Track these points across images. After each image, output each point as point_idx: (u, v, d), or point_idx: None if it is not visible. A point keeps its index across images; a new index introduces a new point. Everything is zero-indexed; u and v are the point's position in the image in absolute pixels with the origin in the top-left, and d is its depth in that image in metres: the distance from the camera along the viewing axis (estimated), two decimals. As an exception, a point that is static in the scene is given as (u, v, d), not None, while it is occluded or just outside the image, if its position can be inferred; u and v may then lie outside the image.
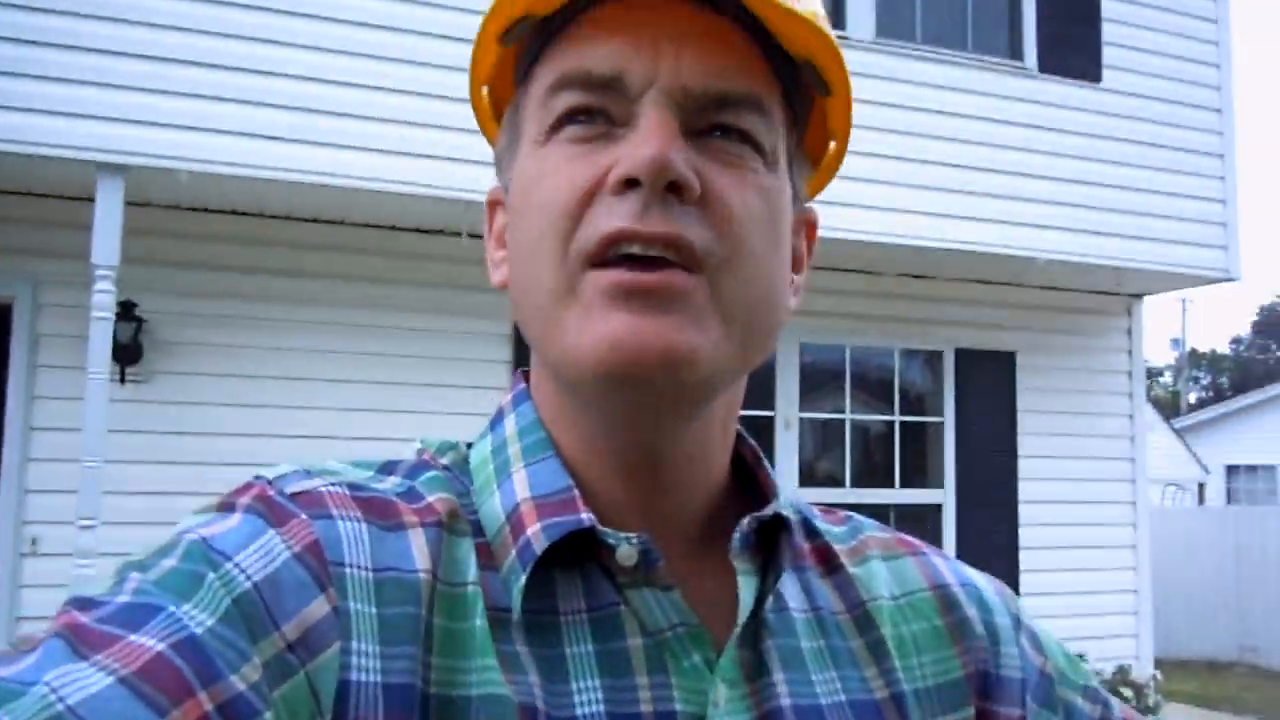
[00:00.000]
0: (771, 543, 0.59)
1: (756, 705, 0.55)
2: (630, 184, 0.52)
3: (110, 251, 4.10)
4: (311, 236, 5.04)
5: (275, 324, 4.96)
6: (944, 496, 6.10)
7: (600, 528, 0.54)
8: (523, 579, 0.53)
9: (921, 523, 6.09)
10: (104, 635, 0.43)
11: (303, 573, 0.49)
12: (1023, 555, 6.17)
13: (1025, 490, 6.22)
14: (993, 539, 6.13)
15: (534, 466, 0.58)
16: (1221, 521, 12.33)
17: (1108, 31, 5.93)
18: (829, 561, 0.64)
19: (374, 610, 0.50)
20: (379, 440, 5.01)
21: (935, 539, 6.09)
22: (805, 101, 0.60)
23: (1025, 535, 6.19)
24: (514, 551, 0.54)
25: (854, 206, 5.16)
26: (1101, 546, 6.34)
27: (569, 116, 0.55)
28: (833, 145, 0.65)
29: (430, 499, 0.56)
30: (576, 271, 0.53)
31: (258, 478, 0.55)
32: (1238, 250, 6.02)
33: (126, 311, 4.55)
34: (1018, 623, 0.67)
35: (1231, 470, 19.43)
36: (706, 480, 0.60)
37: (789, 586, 0.60)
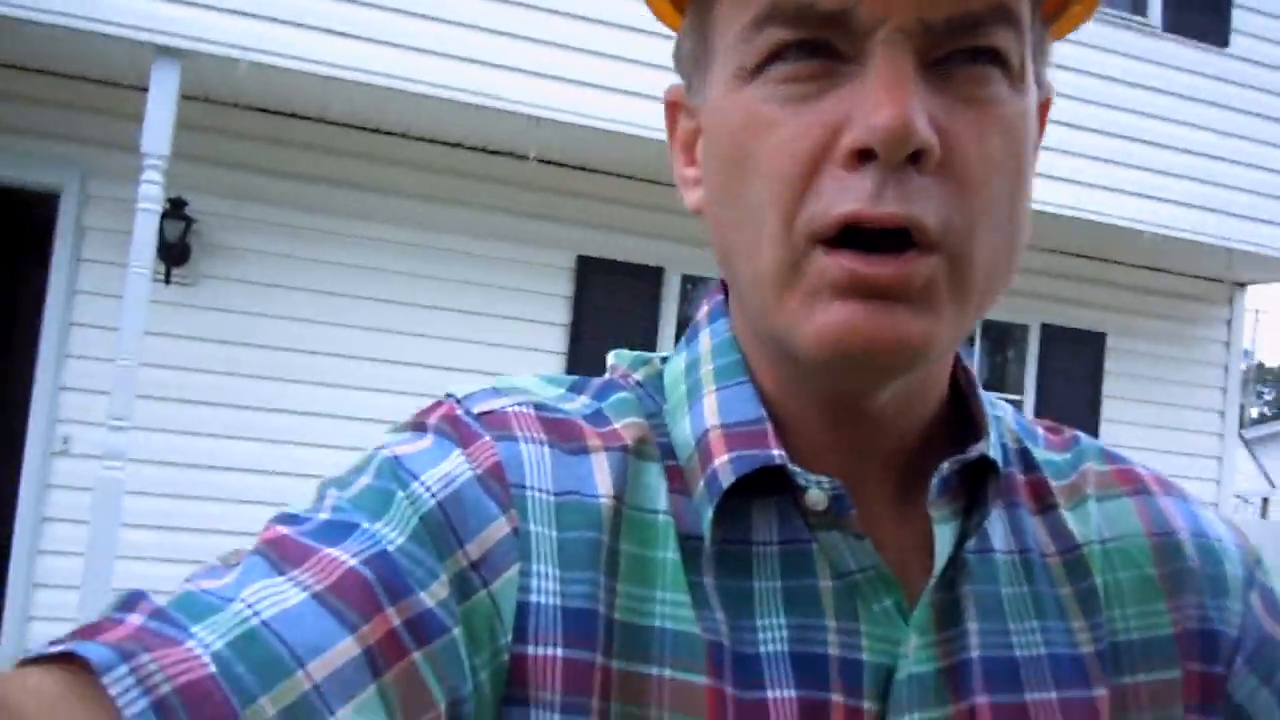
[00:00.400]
0: (981, 479, 0.53)
1: (944, 656, 0.52)
2: (864, 155, 0.45)
3: (160, 140, 3.88)
4: (372, 147, 4.78)
5: (326, 236, 4.73)
6: (1016, 479, 5.75)
7: (791, 466, 0.51)
8: (710, 511, 0.51)
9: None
10: (302, 549, 0.45)
11: (484, 494, 0.49)
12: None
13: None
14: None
15: (725, 391, 0.54)
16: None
17: (1240, -8, 5.48)
18: (1043, 498, 0.58)
19: (554, 534, 0.50)
20: (419, 366, 4.78)
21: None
22: None
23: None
24: (703, 482, 0.52)
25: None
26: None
27: (785, 50, 0.47)
28: (1075, 7, 0.53)
29: (617, 424, 0.54)
30: (802, 249, 0.47)
31: (448, 395, 0.55)
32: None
33: (176, 209, 4.34)
34: (1251, 578, 0.58)
35: (1298, 486, 18.73)
36: (917, 419, 0.55)
37: (996, 525, 0.55)
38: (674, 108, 0.58)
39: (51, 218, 4.46)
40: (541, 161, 4.90)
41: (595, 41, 4.39)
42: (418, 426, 0.53)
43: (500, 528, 0.48)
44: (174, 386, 4.44)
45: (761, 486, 0.52)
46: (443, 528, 0.47)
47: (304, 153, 4.70)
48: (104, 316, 4.40)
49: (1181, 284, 6.04)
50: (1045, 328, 5.80)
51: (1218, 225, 5.33)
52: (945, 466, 0.52)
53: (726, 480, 0.51)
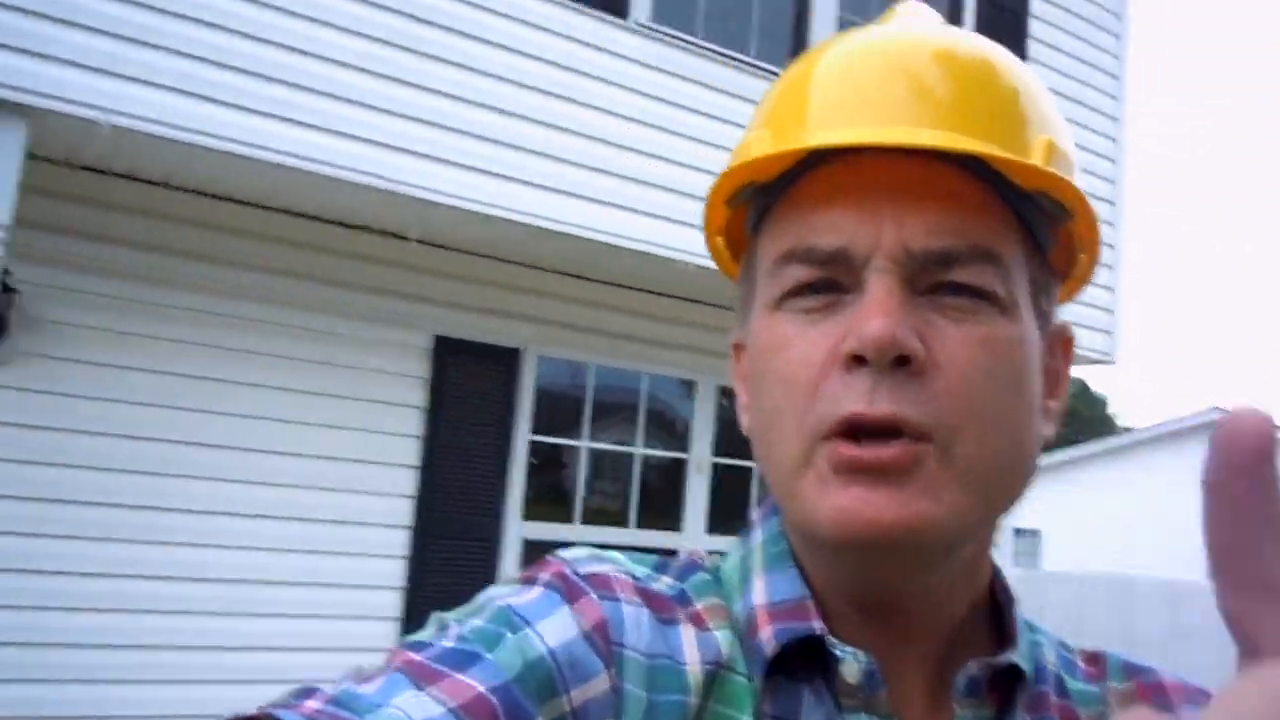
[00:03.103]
0: (1012, 689, 0.58)
1: None
2: (858, 360, 0.53)
3: (1, 208, 3.42)
4: (224, 218, 4.43)
5: (169, 311, 4.31)
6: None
7: (830, 637, 0.56)
8: (757, 682, 0.55)
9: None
10: (436, 671, 0.49)
11: (589, 648, 0.53)
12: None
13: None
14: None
15: (773, 575, 0.60)
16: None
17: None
18: None
19: (645, 695, 0.53)
20: (273, 454, 4.45)
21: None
22: (1047, 221, 0.60)
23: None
24: (749, 653, 0.57)
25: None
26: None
27: (799, 289, 0.57)
28: (1082, 258, 0.64)
29: (699, 605, 0.59)
30: (812, 443, 0.55)
31: (555, 556, 0.59)
32: (1119, 334, 6.37)
33: (-7, 279, 3.82)
34: None
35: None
36: (946, 622, 0.60)
37: None
38: (737, 349, 0.66)
39: None
40: (400, 238, 4.73)
41: (464, 121, 4.31)
42: (527, 581, 0.57)
43: (601, 682, 0.52)
44: (-15, 480, 3.89)
45: (804, 666, 0.56)
46: (550, 673, 0.51)
47: (141, 219, 4.28)
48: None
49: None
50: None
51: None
52: (972, 666, 0.57)
53: (770, 649, 0.56)
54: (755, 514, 0.66)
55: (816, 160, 0.57)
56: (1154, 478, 17.77)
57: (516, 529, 5.00)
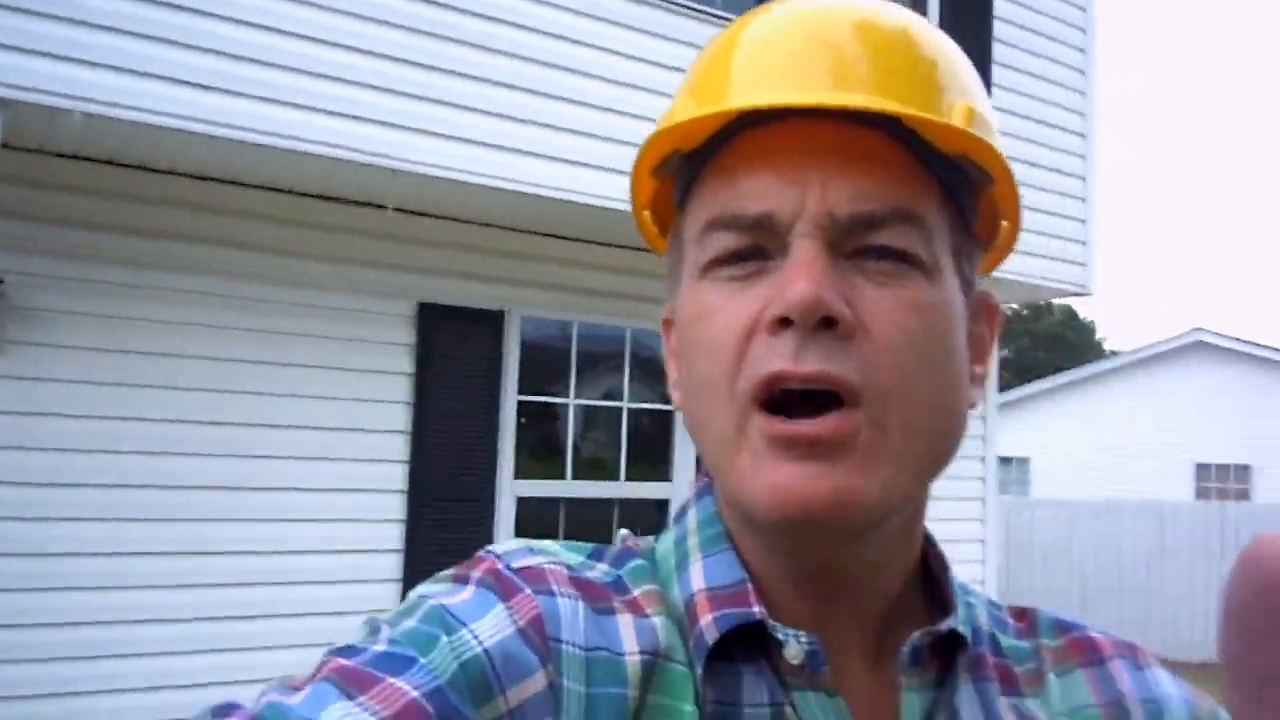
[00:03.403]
0: (952, 653, 0.59)
1: None
2: (784, 322, 0.53)
3: (-19, 200, 3.47)
4: (203, 197, 4.47)
5: (154, 293, 4.37)
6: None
7: (770, 621, 0.56)
8: (699, 669, 0.55)
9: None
10: (368, 677, 0.48)
11: (526, 645, 0.52)
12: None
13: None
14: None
15: (710, 558, 0.60)
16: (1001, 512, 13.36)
17: (996, 52, 6.20)
18: (1010, 682, 0.62)
19: (583, 689, 0.53)
20: (267, 426, 4.53)
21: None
22: (969, 189, 0.60)
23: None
24: (691, 641, 0.57)
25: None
26: (956, 540, 6.68)
27: (725, 258, 0.57)
28: (1004, 224, 0.65)
29: (635, 591, 0.59)
30: (743, 411, 0.54)
31: (488, 551, 0.59)
32: (1093, 266, 6.46)
33: (-20, 271, 3.87)
34: None
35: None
36: (882, 592, 0.60)
37: (965, 700, 0.59)
38: (667, 325, 0.66)
39: None
40: (378, 207, 4.78)
41: (445, 91, 4.34)
42: (459, 579, 0.57)
43: (539, 680, 0.52)
44: (-15, 468, 3.97)
45: (745, 650, 0.56)
46: (485, 675, 0.51)
47: (123, 204, 4.31)
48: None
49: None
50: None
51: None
52: (915, 636, 0.57)
53: (712, 637, 0.56)
54: (688, 496, 0.66)
55: (740, 127, 0.57)
56: (1139, 401, 17.99)
57: (509, 487, 5.11)
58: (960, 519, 6.71)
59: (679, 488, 5.65)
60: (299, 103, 4.03)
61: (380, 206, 4.77)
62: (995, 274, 5.92)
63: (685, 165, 0.61)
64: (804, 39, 0.57)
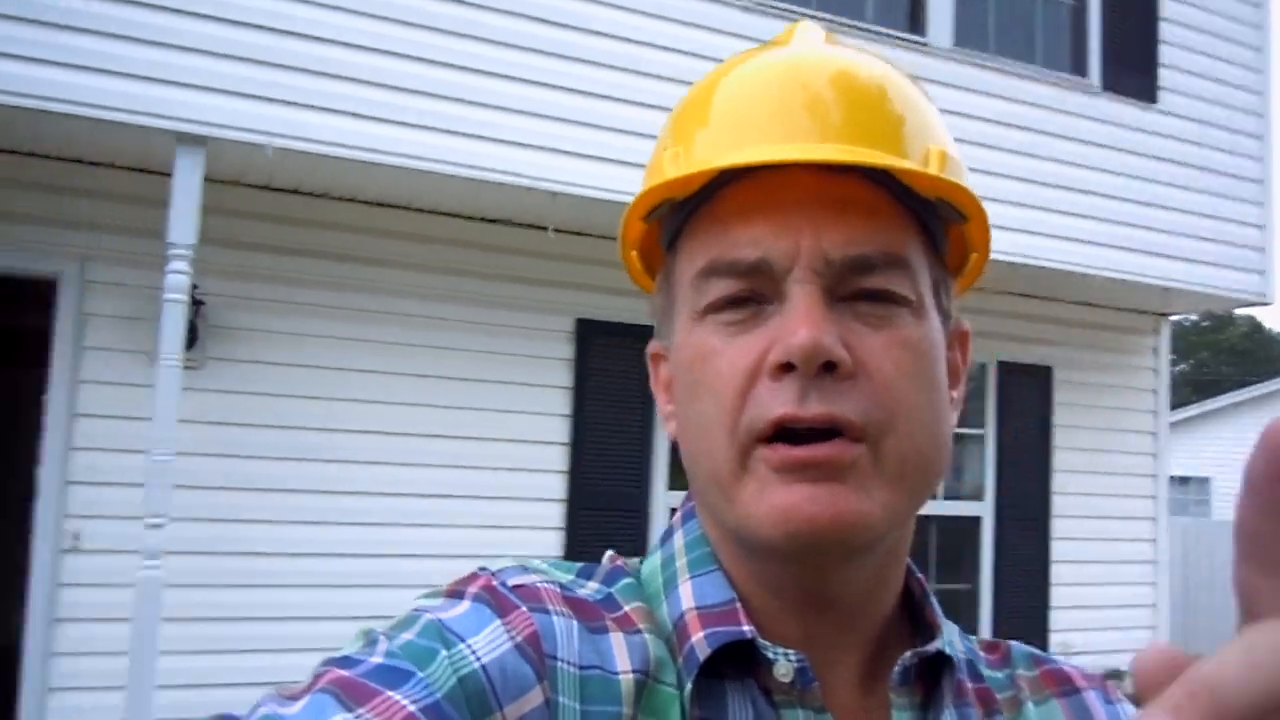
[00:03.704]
0: (937, 678, 0.60)
1: None
2: (787, 368, 0.55)
3: (187, 230, 3.81)
4: (379, 222, 4.78)
5: (336, 312, 4.69)
6: (983, 509, 6.09)
7: (760, 640, 0.57)
8: (689, 686, 0.56)
9: (961, 536, 6.07)
10: (366, 689, 0.48)
11: (523, 661, 0.53)
12: (1053, 569, 6.20)
13: (1057, 505, 6.25)
14: (1025, 552, 6.14)
15: (699, 579, 0.61)
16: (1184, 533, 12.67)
17: (1164, 54, 5.97)
18: (990, 706, 0.64)
19: (578, 706, 0.53)
20: (435, 437, 4.79)
21: (973, 553, 6.08)
22: (944, 226, 0.63)
23: (1056, 549, 6.22)
24: (681, 659, 0.57)
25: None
26: (1127, 561, 6.42)
27: (723, 303, 0.58)
28: (973, 256, 0.67)
29: (626, 608, 0.60)
30: (747, 448, 0.56)
31: (482, 569, 0.60)
32: (1273, 274, 6.12)
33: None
34: None
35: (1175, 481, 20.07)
36: (871, 616, 0.61)
37: None
38: (655, 358, 0.68)
39: (50, 306, 4.30)
40: (539, 229, 4.99)
41: (601, 116, 4.51)
42: (454, 594, 0.57)
43: (535, 697, 0.52)
44: (187, 473, 4.34)
45: (735, 668, 0.57)
46: (484, 690, 0.51)
47: (307, 230, 4.66)
48: (110, 406, 4.27)
49: (1116, 318, 6.51)
50: (1001, 364, 6.18)
51: (1150, 266, 5.79)
52: (907, 656, 0.59)
53: (703, 654, 0.56)
54: (674, 519, 0.67)
55: (730, 177, 0.59)
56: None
57: (663, 497, 5.23)
58: (1129, 539, 6.45)
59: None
60: (469, 132, 4.27)
61: (541, 228, 4.98)
62: (1167, 283, 5.72)
63: (674, 210, 0.63)
64: (786, 90, 0.60)
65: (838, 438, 0.55)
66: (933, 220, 0.61)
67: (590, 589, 0.61)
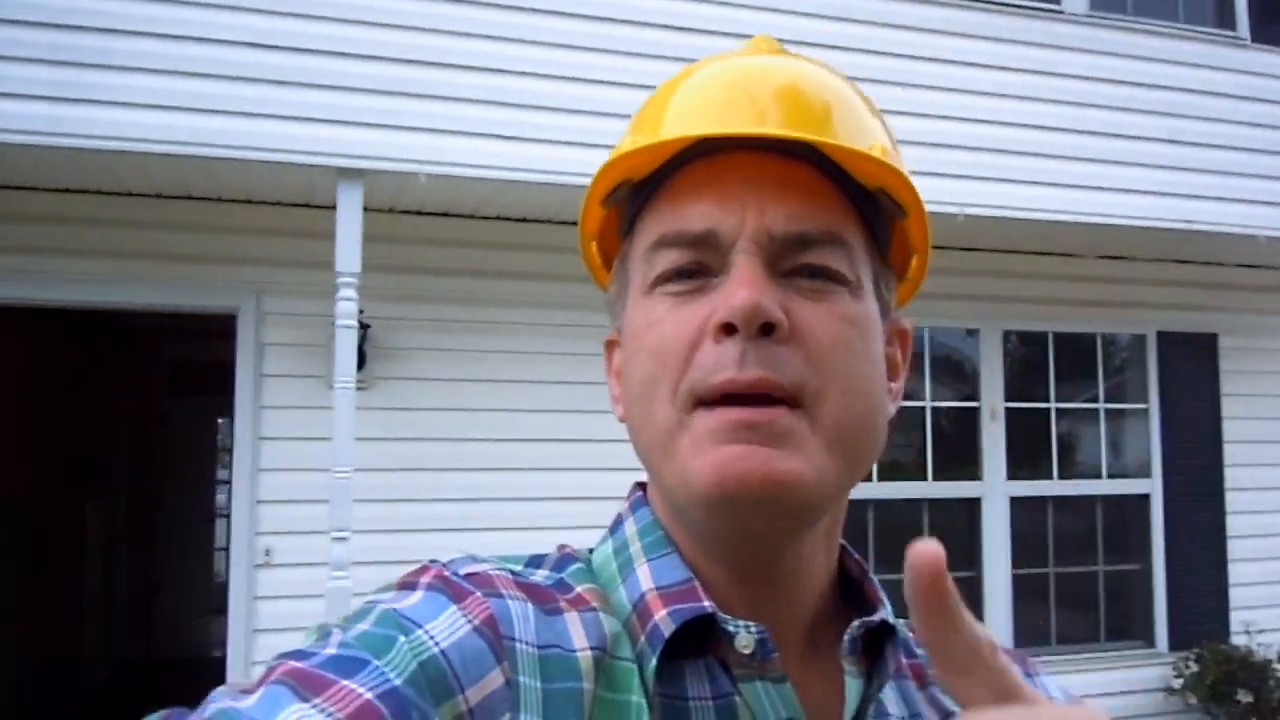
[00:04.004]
0: (875, 651, 0.62)
1: None
2: (728, 329, 0.57)
3: (352, 259, 4.04)
4: (526, 238, 4.95)
5: (483, 326, 4.88)
6: (1151, 486, 5.88)
7: (721, 614, 0.59)
8: (653, 661, 0.57)
9: (1128, 515, 5.88)
10: (321, 679, 0.48)
11: (482, 644, 0.53)
12: (1231, 545, 5.94)
13: (1232, 477, 5.98)
14: (1200, 528, 5.90)
15: (656, 561, 0.63)
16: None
17: (1318, -5, 5.66)
18: (923, 677, 0.67)
19: (539, 685, 0.54)
20: (581, 441, 4.91)
21: (1143, 532, 5.88)
22: (886, 222, 0.66)
23: (1233, 524, 5.96)
24: (643, 637, 0.59)
25: (1058, 186, 4.98)
26: (1312, 534, 6.09)
27: (671, 273, 0.61)
28: (914, 260, 0.70)
29: (579, 589, 0.61)
30: (687, 409, 0.58)
31: (432, 561, 0.61)
32: None
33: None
34: None
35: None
36: (813, 587, 0.64)
37: (889, 694, 0.63)
38: (610, 346, 0.72)
39: (231, 339, 4.62)
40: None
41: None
42: (406, 586, 0.58)
43: (496, 678, 0.53)
44: (364, 488, 4.59)
45: (692, 646, 0.59)
46: (444, 674, 0.51)
47: (458, 249, 4.86)
48: (290, 428, 4.56)
49: (1282, 278, 6.20)
50: (1161, 335, 5.95)
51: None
52: (855, 626, 0.61)
53: (668, 630, 0.58)
54: (622, 509, 0.69)
55: (684, 160, 0.63)
56: None
57: (818, 491, 5.23)
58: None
59: (990, 486, 5.55)
60: (603, 144, 4.39)
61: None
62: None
63: (633, 196, 0.67)
64: (736, 88, 0.63)
65: (776, 405, 0.57)
66: (873, 212, 0.65)
67: (541, 575, 0.63)
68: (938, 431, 5.59)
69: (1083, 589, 5.81)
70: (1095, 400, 5.93)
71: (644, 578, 0.62)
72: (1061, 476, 5.76)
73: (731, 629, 0.58)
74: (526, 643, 0.55)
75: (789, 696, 0.58)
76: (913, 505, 5.46)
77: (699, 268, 0.61)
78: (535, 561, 0.65)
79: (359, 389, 4.57)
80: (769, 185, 0.61)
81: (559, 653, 0.56)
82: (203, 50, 3.95)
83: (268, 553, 4.55)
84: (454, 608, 0.55)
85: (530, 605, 0.58)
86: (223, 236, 4.59)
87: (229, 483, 4.98)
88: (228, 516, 4.61)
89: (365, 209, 4.40)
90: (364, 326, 4.56)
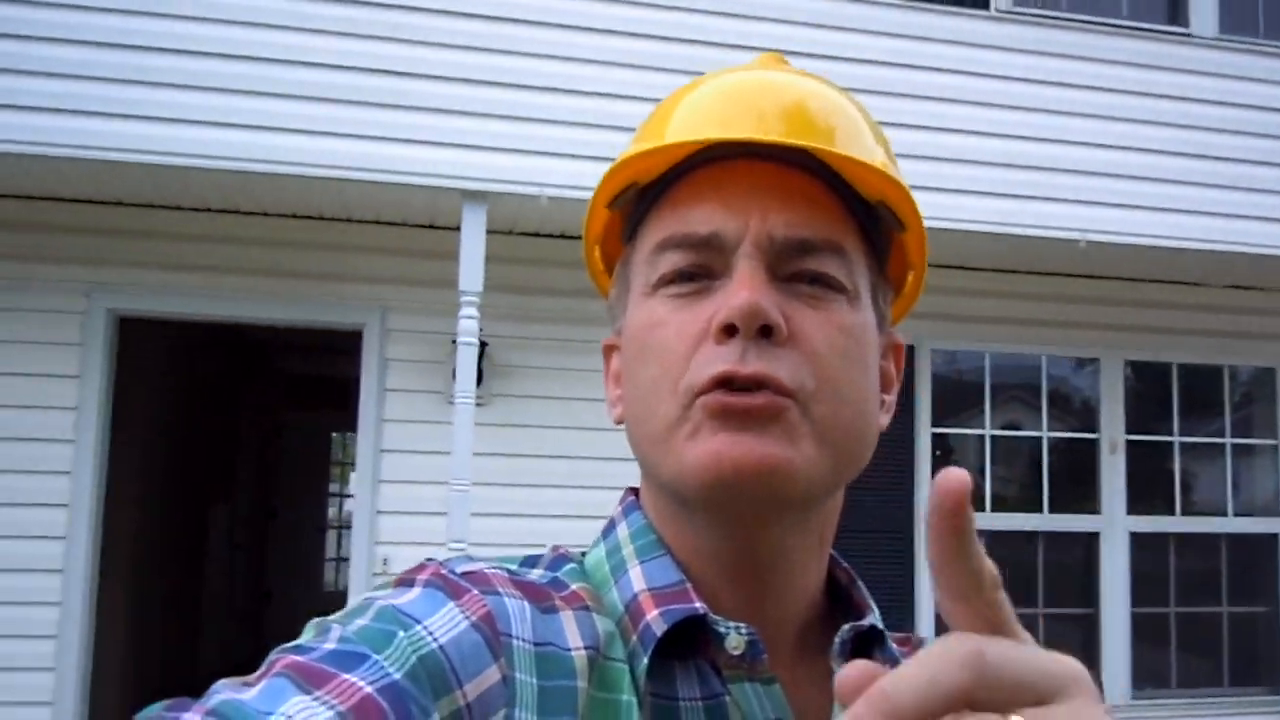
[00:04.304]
0: (864, 655, 0.63)
1: None
2: (729, 330, 0.58)
3: (475, 278, 4.16)
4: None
5: (596, 347, 4.95)
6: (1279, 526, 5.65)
7: (712, 615, 0.59)
8: (645, 661, 0.58)
9: (1256, 555, 5.65)
10: (323, 672, 0.48)
11: (479, 640, 0.54)
12: (1368, 590, 5.65)
13: (1369, 518, 5.70)
14: (1334, 571, 5.63)
15: (648, 563, 0.64)
16: None
17: None
18: None
19: (535, 681, 0.55)
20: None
21: (1270, 571, 5.65)
22: (885, 236, 0.67)
23: (1371, 568, 5.67)
24: (635, 637, 0.59)
25: (1184, 212, 4.85)
26: None
27: (675, 275, 0.62)
28: (910, 276, 0.71)
29: (574, 587, 0.62)
30: (688, 403, 0.59)
31: (429, 560, 0.61)
32: None
33: (471, 336, 4.62)
34: None
35: None
36: (804, 590, 0.64)
37: None
38: (608, 351, 0.73)
39: (356, 354, 4.79)
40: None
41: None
42: (404, 583, 0.58)
43: (493, 674, 0.53)
44: (482, 503, 4.70)
45: (683, 647, 0.59)
46: (443, 669, 0.52)
47: (573, 271, 4.96)
48: (410, 442, 4.70)
49: None
50: (1294, 369, 5.73)
51: None
52: (845, 630, 0.62)
53: (660, 629, 0.59)
54: (614, 513, 0.70)
55: (690, 166, 0.64)
56: None
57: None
58: None
59: (1110, 521, 5.40)
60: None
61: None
62: None
63: (637, 201, 0.68)
64: (741, 100, 0.64)
65: (771, 392, 0.58)
66: (873, 225, 0.66)
67: (537, 574, 0.64)
68: (1053, 463, 5.46)
69: (1206, 631, 5.60)
70: (1221, 434, 5.72)
71: (636, 579, 0.63)
72: (1184, 513, 5.57)
73: (722, 630, 0.59)
74: (523, 640, 0.56)
75: (778, 698, 0.59)
76: (1028, 538, 5.35)
77: (702, 270, 0.62)
78: (530, 561, 0.66)
79: (477, 405, 4.70)
80: (772, 192, 0.62)
81: (554, 651, 0.57)
82: (335, 77, 4.14)
83: (385, 561, 4.69)
84: (452, 604, 0.56)
85: (526, 603, 0.59)
86: (352, 255, 4.77)
87: (339, 495, 5.15)
88: (338, 528, 4.76)
89: (487, 230, 4.54)
90: (482, 344, 4.69)
